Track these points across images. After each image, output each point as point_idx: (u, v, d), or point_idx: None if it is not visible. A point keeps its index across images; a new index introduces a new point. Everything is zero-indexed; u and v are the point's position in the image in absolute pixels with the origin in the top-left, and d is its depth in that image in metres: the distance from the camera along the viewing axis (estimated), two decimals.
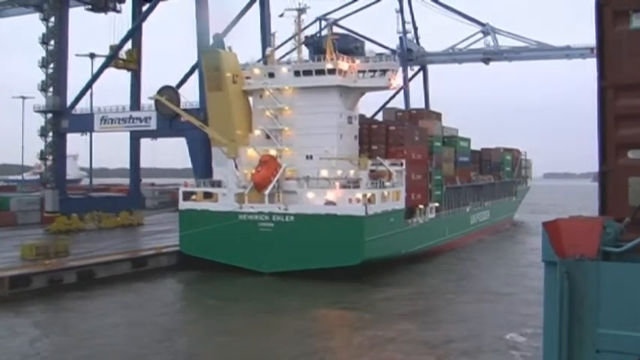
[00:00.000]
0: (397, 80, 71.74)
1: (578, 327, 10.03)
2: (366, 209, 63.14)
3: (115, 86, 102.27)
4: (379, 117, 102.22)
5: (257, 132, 73.32)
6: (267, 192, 66.74)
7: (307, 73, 70.92)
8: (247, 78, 73.96)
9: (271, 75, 72.82)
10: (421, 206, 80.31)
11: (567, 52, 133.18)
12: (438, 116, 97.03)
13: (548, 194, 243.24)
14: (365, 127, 75.60)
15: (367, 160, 68.46)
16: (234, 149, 69.64)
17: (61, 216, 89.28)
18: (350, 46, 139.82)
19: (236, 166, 69.76)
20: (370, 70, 71.32)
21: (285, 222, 65.36)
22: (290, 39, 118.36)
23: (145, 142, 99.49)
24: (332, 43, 71.50)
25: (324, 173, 69.46)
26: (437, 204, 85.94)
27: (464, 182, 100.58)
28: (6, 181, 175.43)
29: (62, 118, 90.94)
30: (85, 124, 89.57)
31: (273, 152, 71.69)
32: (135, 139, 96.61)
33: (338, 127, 70.54)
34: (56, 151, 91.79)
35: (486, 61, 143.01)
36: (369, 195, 66.77)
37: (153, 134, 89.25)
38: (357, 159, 68.28)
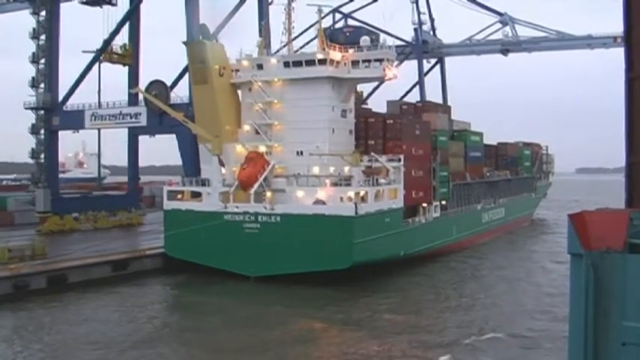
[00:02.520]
0: (392, 70, 66.99)
1: (604, 320, 10.25)
2: (356, 209, 58.73)
3: (120, 82, 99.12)
4: None
5: (246, 127, 69.34)
6: (252, 191, 62.74)
7: (297, 64, 66.67)
8: (237, 71, 70.05)
9: (260, 67, 68.71)
10: (424, 204, 75.75)
11: (589, 42, 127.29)
12: (445, 109, 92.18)
13: (573, 189, 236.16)
14: (361, 120, 71.20)
15: (358, 155, 64.01)
16: (218, 145, 65.72)
17: (54, 216, 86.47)
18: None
19: (221, 163, 65.86)
20: (364, 60, 66.73)
21: (272, 223, 61.34)
22: (301, 34, 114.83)
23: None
24: (324, 32, 67.17)
25: (315, 170, 65.27)
26: (444, 202, 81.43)
27: (475, 178, 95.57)
28: (29, 180, 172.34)
29: (53, 115, 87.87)
30: (75, 121, 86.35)
31: (262, 148, 67.78)
32: (132, 136, 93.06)
33: (329, 121, 66.20)
34: (48, 149, 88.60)
35: (505, 52, 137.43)
36: (362, 193, 62.47)
37: (144, 131, 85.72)
38: (348, 155, 63.74)
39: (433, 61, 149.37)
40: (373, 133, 70.12)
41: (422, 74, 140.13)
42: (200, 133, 67.31)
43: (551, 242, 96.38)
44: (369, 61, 66.43)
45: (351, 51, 67.05)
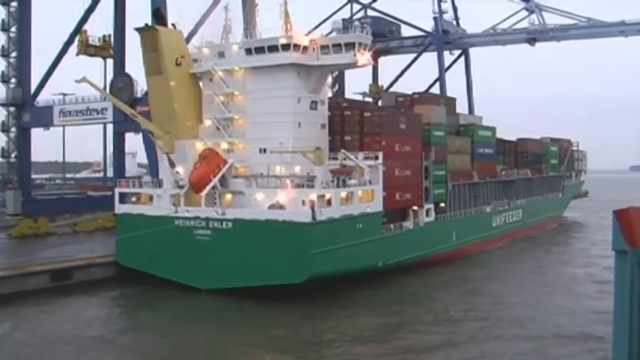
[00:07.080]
0: (366, 56, 59.02)
1: None
2: (314, 214, 51.11)
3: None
4: None
5: (207, 122, 62.50)
6: (203, 193, 55.83)
7: (259, 50, 59.50)
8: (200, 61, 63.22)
9: (221, 55, 61.75)
10: (415, 207, 67.69)
11: (622, 29, 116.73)
12: (448, 101, 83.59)
13: (623, 188, 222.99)
14: (337, 114, 63.60)
15: (322, 152, 56.42)
16: (168, 143, 59.02)
17: (26, 219, 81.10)
18: (384, 29, 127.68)
19: (170, 163, 59.19)
20: (334, 45, 58.97)
21: (223, 229, 54.34)
22: (316, 27, 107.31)
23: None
24: (288, 10, 59.72)
25: (278, 170, 57.95)
26: (441, 204, 73.20)
27: (485, 177, 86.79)
28: (63, 179, 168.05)
29: (24, 112, 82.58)
30: (44, 117, 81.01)
31: (224, 145, 60.90)
32: (116, 133, 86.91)
33: (295, 114, 58.79)
34: (19, 147, 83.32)
35: (531, 41, 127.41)
36: (327, 196, 54.90)
37: (124, 128, 79.61)
38: (310, 152, 56.11)
39: (457, 53, 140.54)
40: (350, 127, 62.42)
41: (442, 66, 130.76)
42: (150, 128, 60.74)
43: (569, 250, 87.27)
44: (339, 45, 58.70)
45: (318, 35, 59.53)
